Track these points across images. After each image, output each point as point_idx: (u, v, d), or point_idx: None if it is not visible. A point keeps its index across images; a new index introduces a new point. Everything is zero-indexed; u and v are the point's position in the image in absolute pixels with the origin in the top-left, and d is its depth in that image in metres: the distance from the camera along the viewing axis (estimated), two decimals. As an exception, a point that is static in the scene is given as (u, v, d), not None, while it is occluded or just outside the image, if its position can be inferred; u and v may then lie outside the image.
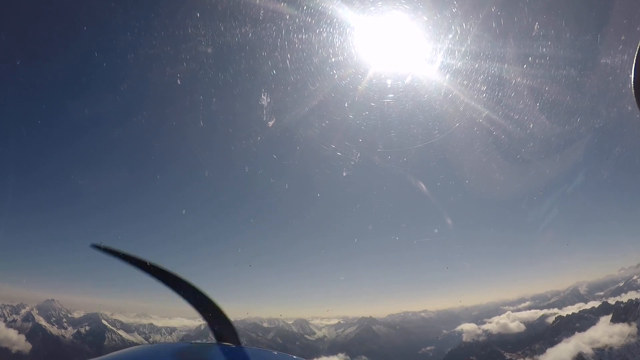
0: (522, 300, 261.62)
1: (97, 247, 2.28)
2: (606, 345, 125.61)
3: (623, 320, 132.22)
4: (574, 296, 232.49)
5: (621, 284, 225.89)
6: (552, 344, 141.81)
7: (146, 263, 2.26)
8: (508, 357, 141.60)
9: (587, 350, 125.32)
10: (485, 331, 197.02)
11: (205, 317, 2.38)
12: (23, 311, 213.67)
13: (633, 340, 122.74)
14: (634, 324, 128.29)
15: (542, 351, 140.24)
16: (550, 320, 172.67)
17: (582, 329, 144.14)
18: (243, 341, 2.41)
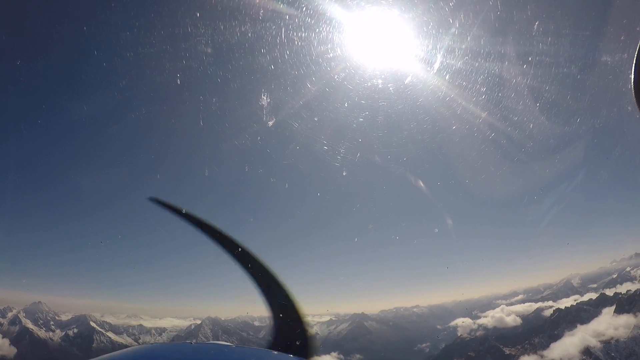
0: (515, 293, 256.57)
1: (156, 201, 2.14)
2: (612, 338, 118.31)
3: (627, 312, 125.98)
4: (568, 289, 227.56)
5: (614, 276, 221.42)
6: (552, 337, 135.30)
7: (209, 226, 2.04)
8: (507, 352, 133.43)
9: (594, 343, 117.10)
10: (480, 325, 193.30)
11: (274, 312, 2.13)
12: (10, 314, 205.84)
13: (639, 331, 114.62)
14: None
15: (543, 345, 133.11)
16: (547, 313, 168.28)
17: (582, 321, 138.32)
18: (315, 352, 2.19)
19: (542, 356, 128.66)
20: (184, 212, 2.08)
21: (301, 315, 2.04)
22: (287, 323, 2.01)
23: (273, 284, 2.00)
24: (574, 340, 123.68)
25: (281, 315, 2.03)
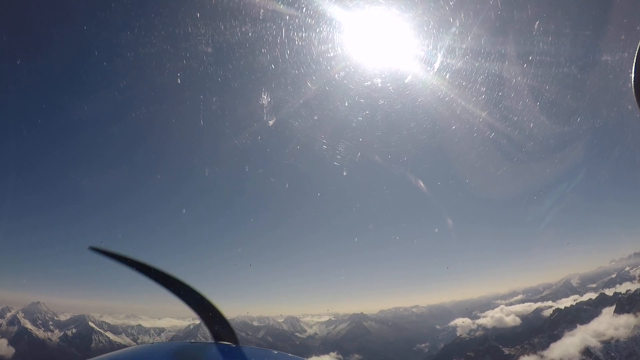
0: (514, 293, 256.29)
1: (96, 250, 2.23)
2: (612, 338, 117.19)
3: (627, 312, 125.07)
4: (567, 289, 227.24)
5: (613, 276, 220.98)
6: (552, 337, 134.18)
7: (144, 265, 2.20)
8: (507, 352, 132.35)
9: (594, 343, 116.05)
10: (480, 325, 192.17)
11: (203, 317, 2.34)
12: (8, 314, 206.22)
13: (639, 332, 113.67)
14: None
15: (543, 345, 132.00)
16: (546, 313, 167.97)
17: (582, 321, 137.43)
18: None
19: (542, 356, 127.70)
20: (120, 257, 2.20)
21: (218, 310, 2.24)
22: (213, 317, 2.25)
23: (195, 294, 2.22)
24: (574, 341, 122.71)
25: (207, 314, 2.26)
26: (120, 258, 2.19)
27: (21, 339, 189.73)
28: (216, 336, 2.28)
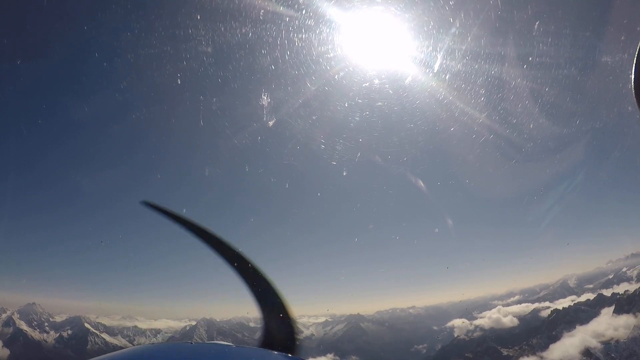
0: (511, 294, 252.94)
1: (149, 205, 2.13)
2: (612, 338, 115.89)
3: (627, 312, 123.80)
4: (564, 289, 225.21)
5: (611, 276, 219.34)
6: (551, 338, 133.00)
7: (202, 229, 2.07)
8: (505, 353, 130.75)
9: (594, 344, 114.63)
10: (477, 326, 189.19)
11: (265, 313, 2.14)
12: (3, 315, 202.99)
13: (639, 332, 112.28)
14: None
15: (541, 346, 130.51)
16: (544, 314, 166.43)
17: (580, 322, 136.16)
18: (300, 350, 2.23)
19: (541, 357, 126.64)
20: (177, 216, 2.09)
21: (290, 314, 2.05)
22: (277, 322, 2.05)
23: (264, 284, 2.02)
24: (573, 341, 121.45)
25: (271, 314, 2.06)
26: (174, 216, 2.06)
27: (16, 341, 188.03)
28: (271, 335, 2.06)
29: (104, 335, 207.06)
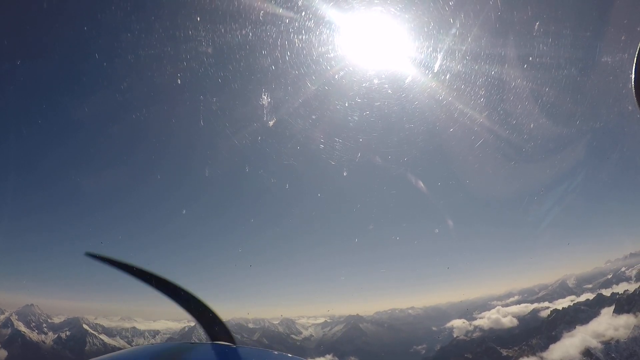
0: (510, 294, 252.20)
1: (92, 256, 2.23)
2: (612, 338, 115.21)
3: (627, 312, 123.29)
4: (563, 289, 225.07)
5: (609, 276, 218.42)
6: (550, 338, 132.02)
7: (140, 270, 2.23)
8: (505, 353, 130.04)
9: (594, 344, 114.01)
10: (476, 327, 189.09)
11: (199, 320, 2.35)
12: (2, 317, 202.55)
13: (639, 332, 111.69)
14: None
15: (541, 346, 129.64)
16: (543, 314, 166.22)
17: (580, 322, 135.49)
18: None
19: (541, 357, 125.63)
20: (121, 263, 2.20)
21: (214, 312, 2.27)
22: (209, 319, 2.27)
23: (191, 298, 2.26)
24: (573, 342, 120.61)
25: (204, 316, 2.29)
26: (117, 264, 2.19)
27: (14, 342, 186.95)
28: (214, 338, 2.27)
29: (103, 337, 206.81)
